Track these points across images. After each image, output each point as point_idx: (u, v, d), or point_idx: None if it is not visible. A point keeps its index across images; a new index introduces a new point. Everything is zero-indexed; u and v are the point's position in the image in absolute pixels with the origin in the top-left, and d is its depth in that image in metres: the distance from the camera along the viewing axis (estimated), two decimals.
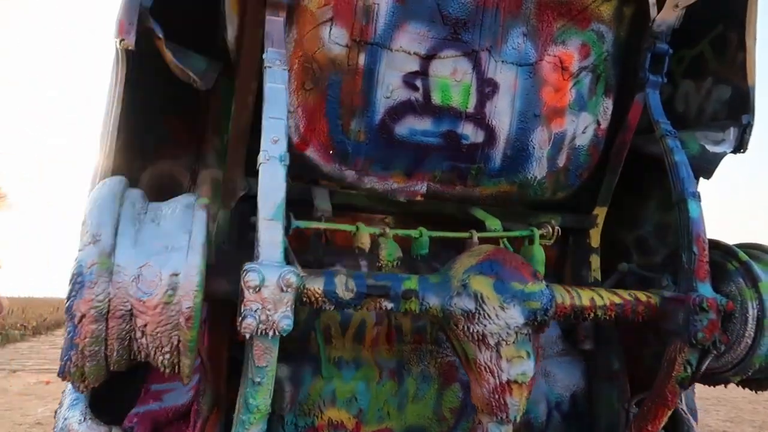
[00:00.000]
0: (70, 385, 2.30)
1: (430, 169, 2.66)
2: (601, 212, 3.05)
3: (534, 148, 2.74)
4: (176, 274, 1.63)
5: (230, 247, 2.47)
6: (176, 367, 1.73)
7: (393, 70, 2.49)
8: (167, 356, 1.68)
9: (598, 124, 2.86)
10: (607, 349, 2.96)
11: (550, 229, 2.62)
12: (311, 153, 2.52)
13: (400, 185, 2.65)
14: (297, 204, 2.57)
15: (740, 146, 2.78)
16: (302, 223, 2.08)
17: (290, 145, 2.50)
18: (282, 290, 1.75)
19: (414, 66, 2.51)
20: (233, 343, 2.37)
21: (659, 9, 2.67)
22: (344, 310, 2.45)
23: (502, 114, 2.65)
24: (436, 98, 2.56)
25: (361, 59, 2.44)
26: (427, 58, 2.51)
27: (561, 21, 2.66)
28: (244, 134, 2.42)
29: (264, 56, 2.08)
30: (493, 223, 2.59)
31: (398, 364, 2.70)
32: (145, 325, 1.62)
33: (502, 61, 2.60)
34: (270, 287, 1.74)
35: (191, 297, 1.63)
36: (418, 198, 2.73)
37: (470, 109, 2.61)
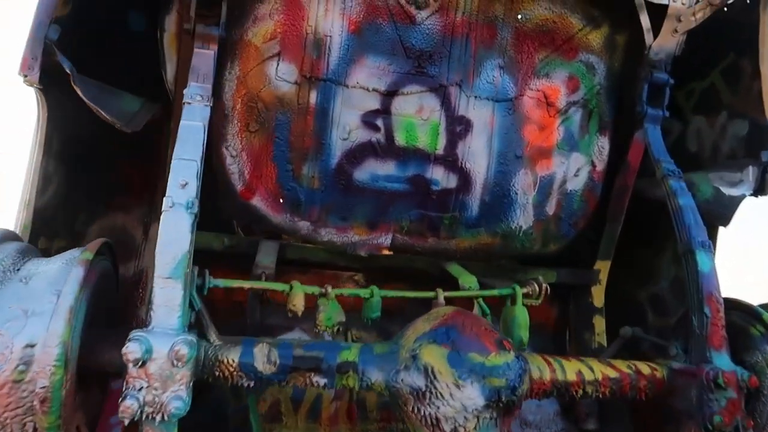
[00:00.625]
0: None
1: (395, 218, 2.35)
2: (603, 267, 2.66)
3: (517, 193, 2.40)
4: (32, 345, 1.34)
5: None
6: None
7: (350, 109, 2.23)
8: None
9: (593, 165, 2.51)
10: (615, 429, 2.50)
11: (536, 287, 2.25)
12: (258, 202, 2.24)
13: (362, 238, 2.33)
14: (245, 260, 2.29)
15: (761, 188, 2.38)
16: (222, 282, 1.77)
17: (233, 194, 2.25)
18: (173, 365, 1.44)
19: (374, 104, 2.24)
20: None
21: (655, 35, 2.36)
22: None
23: (478, 155, 2.34)
24: (401, 139, 2.28)
25: (313, 97, 2.18)
26: (389, 95, 2.24)
27: (543, 52, 2.37)
28: None
29: (185, 91, 1.84)
30: (467, 281, 2.23)
31: None
32: None
33: (475, 97, 2.31)
34: (158, 361, 1.43)
35: (47, 374, 1.33)
36: (384, 252, 2.41)
37: (440, 150, 2.30)
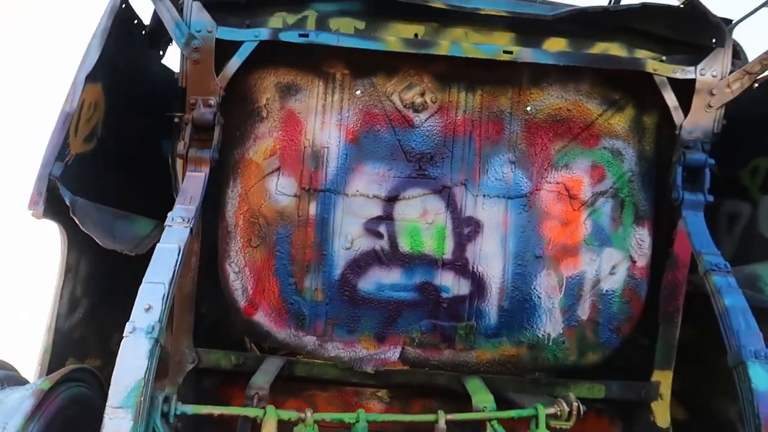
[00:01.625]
0: None
1: (405, 330, 2.19)
2: (664, 378, 2.26)
3: (540, 297, 2.16)
4: None
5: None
6: None
7: (352, 217, 2.17)
8: None
9: (633, 261, 2.21)
10: None
11: (565, 406, 1.94)
12: (261, 318, 2.19)
13: (369, 352, 2.18)
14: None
15: None
16: (190, 408, 1.69)
17: (238, 310, 2.23)
18: None
19: (376, 210, 2.17)
20: None
21: (686, 112, 2.11)
22: None
23: (491, 258, 2.16)
24: (405, 245, 2.17)
25: (313, 208, 2.16)
26: (391, 200, 2.17)
27: (560, 142, 2.21)
28: (188, 300, 2.20)
29: (169, 214, 1.89)
30: (482, 399, 1.98)
31: None
32: None
33: (484, 195, 2.17)
34: None
35: None
36: (398, 366, 2.23)
37: (448, 255, 2.16)
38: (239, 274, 2.19)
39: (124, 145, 2.34)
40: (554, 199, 2.20)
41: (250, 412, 1.72)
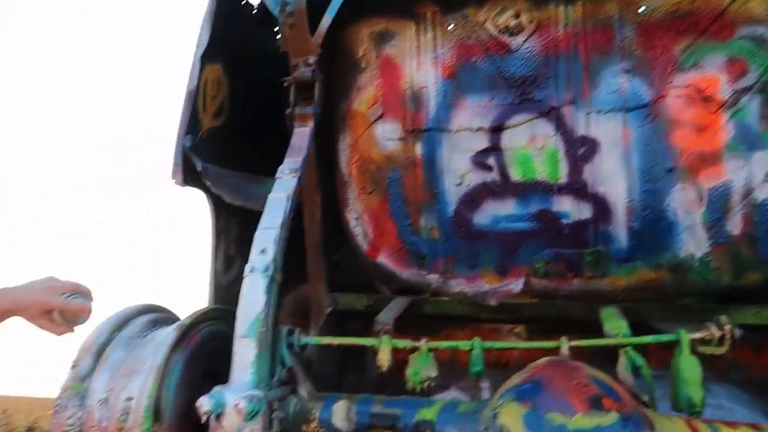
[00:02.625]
0: None
1: (527, 261, 2.11)
2: None
3: (676, 214, 1.94)
4: (130, 399, 1.60)
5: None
6: None
7: (458, 153, 2.15)
8: None
9: None
10: None
11: (715, 330, 1.73)
12: (384, 260, 2.28)
13: (493, 286, 2.15)
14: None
15: None
16: (312, 339, 1.83)
17: (362, 254, 2.34)
18: (241, 419, 1.55)
19: (482, 143, 2.12)
20: None
21: None
22: None
23: (612, 177, 1.98)
24: (516, 174, 2.09)
25: (418, 149, 2.18)
26: (496, 130, 2.10)
27: (684, 41, 1.94)
28: (317, 249, 2.36)
29: (279, 168, 2.04)
30: (614, 326, 1.85)
31: None
32: None
33: (597, 111, 1.99)
34: (229, 415, 1.56)
35: (140, 423, 1.57)
36: (525, 300, 2.17)
37: (563, 179, 2.03)
38: (359, 221, 2.30)
39: (252, 117, 2.58)
40: (684, 105, 1.94)
41: (367, 341, 1.81)
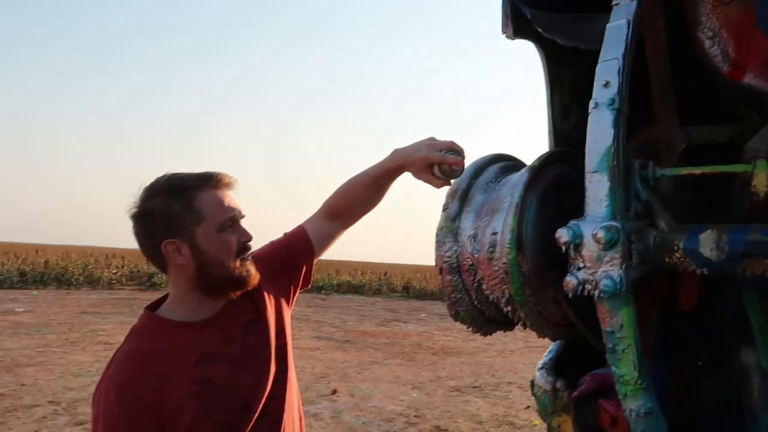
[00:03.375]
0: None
1: None
2: None
3: None
4: (495, 233, 1.79)
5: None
6: (523, 321, 1.86)
7: None
8: (509, 308, 1.85)
9: None
10: None
11: None
12: (751, 80, 1.94)
13: None
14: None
15: None
16: (668, 171, 1.70)
17: (721, 78, 2.02)
18: (599, 248, 1.61)
19: None
20: (673, 315, 2.14)
21: None
22: None
23: None
24: None
25: None
26: None
27: None
28: (664, 80, 2.15)
29: None
30: None
31: None
32: (483, 278, 1.86)
33: None
34: (587, 245, 1.62)
35: (505, 253, 1.75)
36: None
37: None
38: (715, 39, 1.99)
39: None
40: None
41: (737, 168, 1.62)
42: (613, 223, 1.59)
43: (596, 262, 1.60)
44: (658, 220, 1.69)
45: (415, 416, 8.80)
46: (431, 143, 1.83)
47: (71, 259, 34.23)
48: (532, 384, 2.54)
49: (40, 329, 14.86)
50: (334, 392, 9.89)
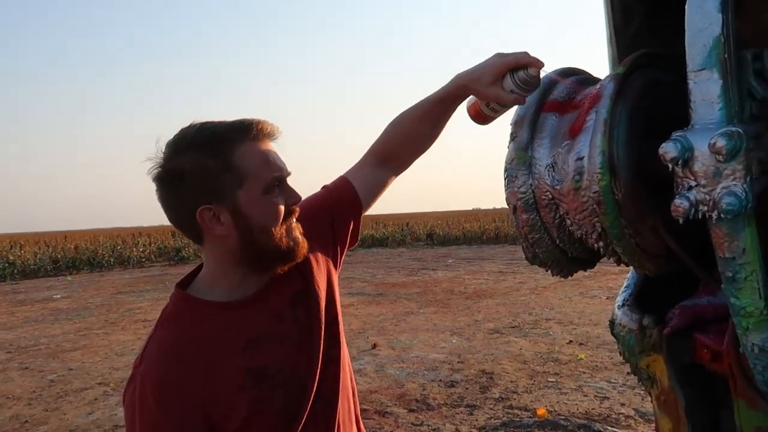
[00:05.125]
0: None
1: None
2: None
3: None
4: (580, 158, 1.52)
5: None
6: (618, 257, 1.61)
7: None
8: (601, 244, 1.60)
9: None
10: None
11: None
12: None
13: None
14: None
15: None
16: None
17: None
18: (718, 160, 1.34)
19: None
20: None
21: None
22: None
23: None
24: None
25: None
26: None
27: None
28: None
29: None
30: None
31: None
32: (567, 213, 1.61)
33: None
34: (700, 158, 1.36)
35: (597, 180, 1.49)
36: None
37: None
38: None
39: None
40: None
41: None
42: (734, 128, 1.31)
43: (713, 178, 1.34)
44: None
45: (458, 362, 8.74)
46: (500, 54, 1.54)
47: (100, 242, 34.82)
48: (612, 324, 2.31)
49: (80, 313, 15.10)
50: (374, 346, 9.87)
